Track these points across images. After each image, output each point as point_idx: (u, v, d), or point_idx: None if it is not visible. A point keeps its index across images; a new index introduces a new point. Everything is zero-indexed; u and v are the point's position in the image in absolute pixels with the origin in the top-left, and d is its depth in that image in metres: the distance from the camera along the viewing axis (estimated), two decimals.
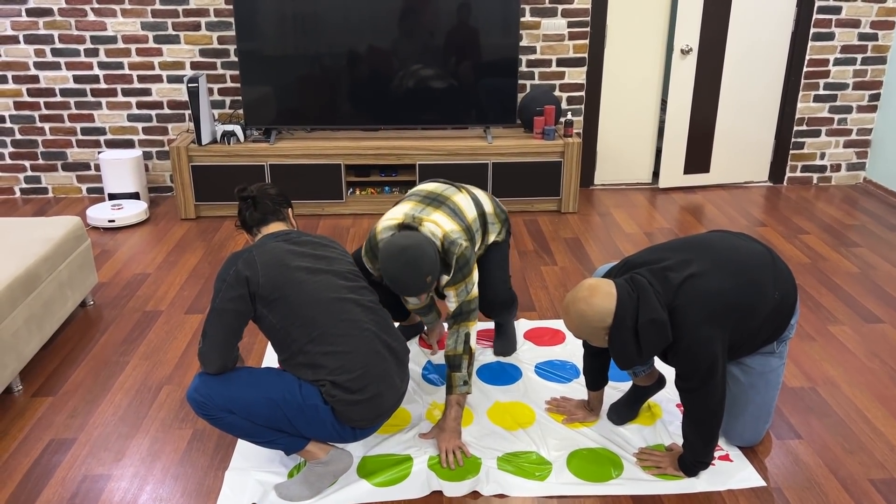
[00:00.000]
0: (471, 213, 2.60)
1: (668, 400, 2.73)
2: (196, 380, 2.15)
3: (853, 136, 5.13)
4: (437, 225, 2.44)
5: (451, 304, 2.46)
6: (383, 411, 2.23)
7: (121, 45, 4.62)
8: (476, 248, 2.60)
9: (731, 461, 2.41)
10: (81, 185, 4.94)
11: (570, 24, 4.74)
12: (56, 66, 4.65)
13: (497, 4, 4.40)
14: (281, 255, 2.17)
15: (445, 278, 2.44)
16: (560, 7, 4.70)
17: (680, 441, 2.51)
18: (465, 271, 2.42)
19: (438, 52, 4.49)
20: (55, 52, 4.62)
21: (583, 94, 4.91)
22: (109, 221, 4.37)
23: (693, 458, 2.29)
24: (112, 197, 4.64)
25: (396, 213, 2.50)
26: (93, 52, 4.63)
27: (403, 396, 2.34)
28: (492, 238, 2.74)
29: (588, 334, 2.16)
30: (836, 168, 5.22)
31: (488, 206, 2.72)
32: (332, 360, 2.13)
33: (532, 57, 4.80)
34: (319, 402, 2.14)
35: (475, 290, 2.46)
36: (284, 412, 2.13)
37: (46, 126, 4.78)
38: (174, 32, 4.61)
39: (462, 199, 2.62)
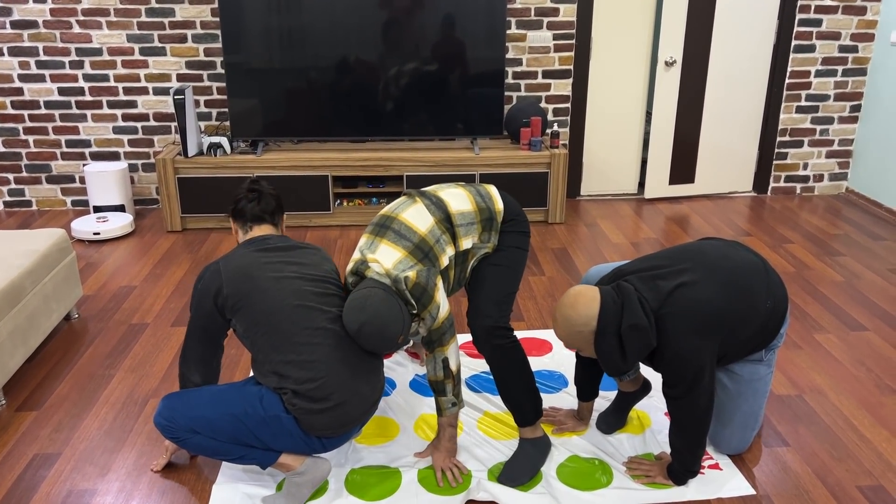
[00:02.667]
0: (423, 224, 2.26)
1: (656, 409, 2.74)
2: (160, 403, 2.19)
3: (835, 147, 5.19)
4: (380, 263, 2.20)
5: (421, 331, 2.29)
6: (349, 420, 2.21)
7: (106, 57, 4.61)
8: (445, 262, 2.29)
9: (721, 469, 2.41)
10: (66, 198, 4.90)
11: (555, 37, 4.77)
12: (41, 79, 4.62)
13: (483, 17, 4.43)
14: (247, 264, 2.20)
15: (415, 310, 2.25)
16: (546, 20, 4.74)
17: (668, 450, 2.52)
18: (425, 300, 2.19)
19: (425, 64, 4.50)
20: (40, 65, 4.59)
21: (568, 105, 4.94)
22: (94, 234, 4.34)
23: (681, 466, 2.29)
24: (97, 209, 4.61)
25: (354, 254, 2.32)
26: (78, 65, 4.61)
27: (376, 406, 2.32)
28: (467, 244, 2.33)
29: (578, 342, 2.17)
30: (819, 178, 5.27)
31: (462, 205, 2.33)
32: (294, 368, 2.13)
33: (518, 69, 4.83)
34: (281, 412, 2.14)
35: (442, 314, 2.24)
36: (248, 426, 2.14)
37: (31, 138, 4.74)
38: (160, 45, 4.60)
39: (413, 211, 2.30)
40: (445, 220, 2.31)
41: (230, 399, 2.15)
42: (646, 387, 2.63)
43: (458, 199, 2.36)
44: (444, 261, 2.29)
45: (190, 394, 2.19)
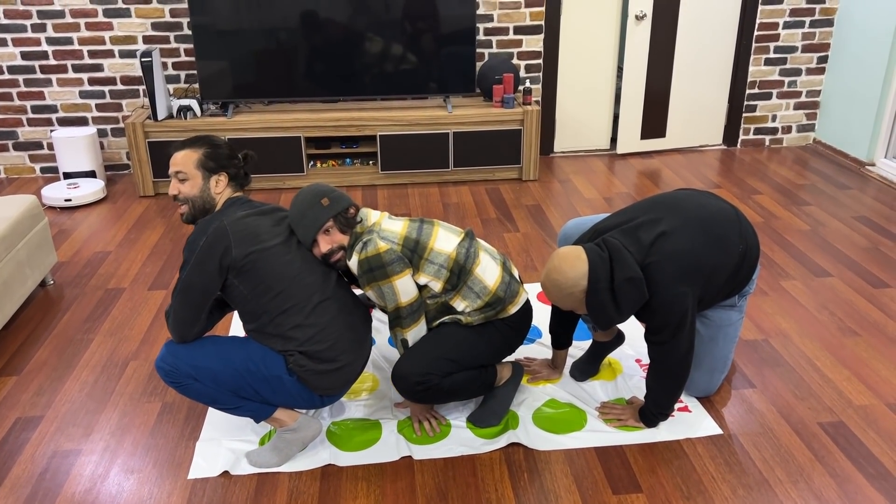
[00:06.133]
0: (441, 244, 2.27)
1: (627, 356, 2.82)
2: (163, 349, 2.17)
3: (803, 98, 5.26)
4: (382, 217, 2.29)
5: (370, 297, 2.28)
6: (350, 379, 2.28)
7: (69, 19, 4.51)
8: (421, 280, 2.26)
9: (690, 412, 2.50)
10: (34, 165, 4.83)
11: None
12: (2, 43, 4.52)
13: None
14: (253, 225, 2.17)
15: (344, 239, 2.23)
16: None
17: (640, 395, 2.60)
18: (378, 275, 2.19)
19: (396, 22, 4.47)
20: (1, 28, 4.48)
21: (540, 61, 4.94)
22: (66, 201, 4.30)
23: (655, 409, 2.37)
24: (67, 176, 4.55)
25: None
26: (40, 28, 4.51)
27: (367, 361, 2.38)
28: (456, 303, 2.29)
29: (571, 303, 2.21)
30: (787, 130, 5.35)
31: (486, 276, 2.29)
32: (303, 332, 2.16)
33: (489, 25, 4.81)
34: (283, 372, 2.17)
35: (403, 301, 2.23)
36: (249, 381, 2.16)
37: None
38: (124, 6, 4.51)
39: (452, 233, 2.32)
40: (459, 271, 2.27)
41: (234, 353, 2.15)
42: (619, 337, 2.70)
43: (488, 269, 2.31)
44: (422, 279, 2.26)
45: (194, 343, 2.17)
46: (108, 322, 3.11)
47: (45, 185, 4.69)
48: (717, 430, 2.41)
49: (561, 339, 2.63)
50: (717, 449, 2.34)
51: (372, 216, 2.29)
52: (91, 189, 4.39)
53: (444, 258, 2.26)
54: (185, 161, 2.23)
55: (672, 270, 2.18)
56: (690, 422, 2.45)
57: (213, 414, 2.51)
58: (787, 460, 2.29)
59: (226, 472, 2.26)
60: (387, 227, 2.26)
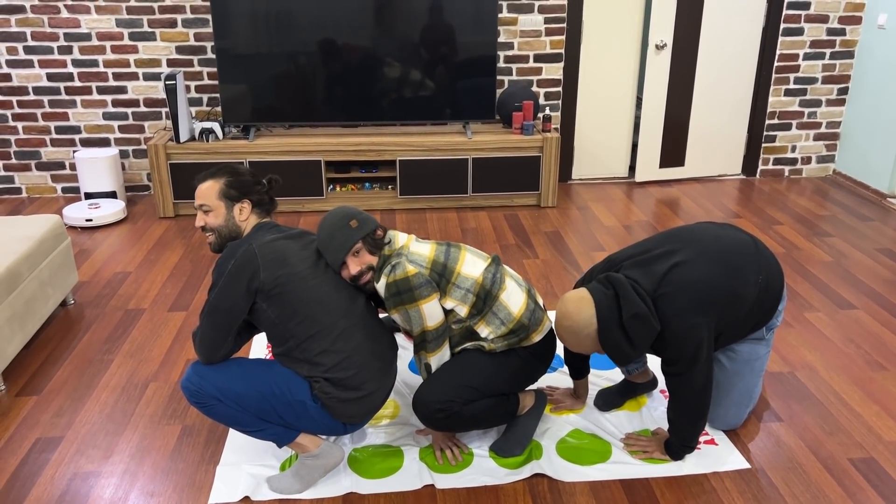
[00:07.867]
0: (469, 268, 2.24)
1: None
2: (189, 369, 2.17)
3: (823, 129, 5.25)
4: (410, 240, 2.27)
5: (395, 318, 2.26)
6: (374, 407, 2.26)
7: (95, 42, 4.57)
8: (448, 304, 2.24)
9: (717, 445, 2.46)
10: (56, 185, 4.87)
11: (546, 20, 4.78)
12: (29, 64, 4.58)
13: (474, 0, 4.42)
14: (281, 249, 2.17)
15: (373, 260, 2.23)
16: (537, 3, 4.74)
17: (665, 426, 2.56)
18: (406, 298, 2.17)
19: (417, 49, 4.50)
20: (28, 50, 4.55)
21: (560, 89, 4.96)
22: (87, 221, 4.32)
23: (679, 441, 2.34)
24: (88, 196, 4.58)
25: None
26: (66, 50, 4.57)
27: (391, 391, 2.36)
28: (480, 329, 2.26)
29: (588, 345, 2.19)
30: (807, 160, 5.33)
31: (511, 302, 2.27)
32: (329, 358, 2.14)
33: (510, 53, 4.84)
34: (308, 398, 2.15)
35: (429, 325, 2.21)
36: (273, 405, 2.14)
37: (19, 125, 4.70)
38: (150, 29, 4.57)
39: (480, 259, 2.30)
40: (485, 296, 2.25)
41: (259, 377, 2.14)
42: (653, 382, 2.68)
43: (513, 296, 2.29)
44: (448, 304, 2.24)
45: (220, 364, 2.17)
46: (127, 343, 3.11)
47: (66, 204, 4.72)
48: (745, 465, 2.37)
49: (577, 368, 2.60)
50: (746, 483, 2.29)
51: (399, 238, 2.28)
52: (112, 209, 4.41)
53: (471, 283, 2.25)
54: (207, 193, 2.27)
55: (684, 302, 2.16)
56: (717, 455, 2.41)
57: (233, 438, 2.49)
58: (818, 497, 2.24)
59: (246, 498, 2.23)
60: (415, 251, 2.25)
